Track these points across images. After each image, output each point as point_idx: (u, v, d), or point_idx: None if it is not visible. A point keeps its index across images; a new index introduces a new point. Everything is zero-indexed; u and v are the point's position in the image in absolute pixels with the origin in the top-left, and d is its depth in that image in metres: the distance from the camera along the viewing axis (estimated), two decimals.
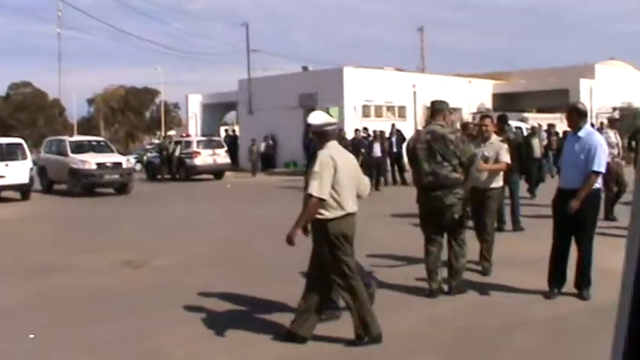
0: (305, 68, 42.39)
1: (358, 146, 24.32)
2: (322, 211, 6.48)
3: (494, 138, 10.31)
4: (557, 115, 36.91)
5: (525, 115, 37.06)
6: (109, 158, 27.07)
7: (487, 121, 10.45)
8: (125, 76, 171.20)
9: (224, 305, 8.46)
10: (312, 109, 32.77)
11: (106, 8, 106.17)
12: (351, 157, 7.03)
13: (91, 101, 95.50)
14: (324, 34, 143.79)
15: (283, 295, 8.48)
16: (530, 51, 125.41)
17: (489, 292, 8.79)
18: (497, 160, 9.91)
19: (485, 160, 9.84)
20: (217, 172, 34.97)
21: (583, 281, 8.19)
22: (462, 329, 7.32)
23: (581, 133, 8.07)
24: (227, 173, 35.52)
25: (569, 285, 8.32)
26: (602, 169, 8.07)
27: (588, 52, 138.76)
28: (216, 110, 52.24)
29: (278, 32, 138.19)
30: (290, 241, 6.55)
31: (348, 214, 6.56)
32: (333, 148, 6.62)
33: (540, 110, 41.34)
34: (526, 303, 8.22)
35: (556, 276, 8.28)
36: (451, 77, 45.36)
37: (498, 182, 10.06)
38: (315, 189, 6.38)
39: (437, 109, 8.91)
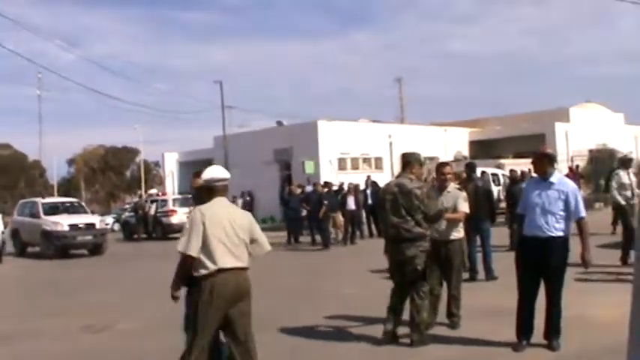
0: (280, 123, 42.44)
1: (316, 199, 24.94)
2: (197, 267, 6.25)
3: (452, 187, 10.12)
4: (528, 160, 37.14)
5: (502, 161, 37.12)
6: (81, 219, 26.94)
7: (447, 169, 10.11)
8: (104, 135, 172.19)
9: None
10: (288, 164, 33.30)
11: (84, 69, 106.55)
12: (239, 213, 6.77)
13: (71, 162, 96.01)
14: (301, 88, 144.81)
15: None
16: (506, 97, 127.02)
17: (454, 346, 8.57)
18: (455, 210, 9.67)
19: (445, 210, 9.50)
20: None
21: (552, 331, 8.02)
22: None
23: (553, 179, 7.99)
24: None
25: (539, 336, 8.13)
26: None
27: (564, 95, 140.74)
28: (192, 167, 51.66)
29: (255, 88, 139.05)
30: (173, 298, 6.41)
31: (221, 270, 6.26)
32: (216, 204, 6.43)
33: (517, 156, 41.44)
34: (492, 356, 8.02)
35: (524, 327, 8.11)
36: (427, 127, 45.61)
37: (459, 233, 9.72)
38: (180, 245, 6.21)
39: (406, 162, 8.92)
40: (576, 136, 42.02)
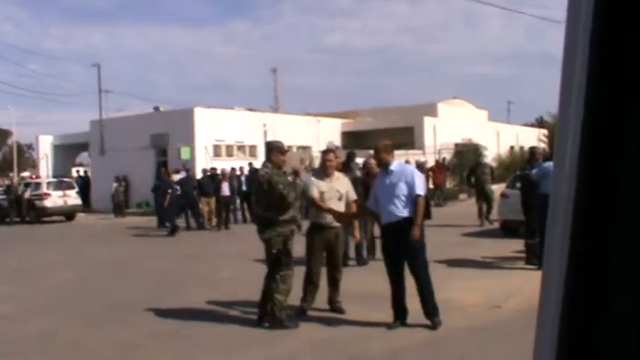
0: (157, 109, 42.50)
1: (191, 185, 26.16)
2: None
3: (338, 173, 10.44)
4: (403, 151, 38.65)
5: (372, 152, 38.42)
6: None
7: (331, 155, 10.24)
8: None
9: (60, 351, 8.69)
10: (164, 150, 33.35)
11: None
12: None
13: None
14: (180, 76, 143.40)
15: (118, 337, 8.92)
16: (377, 91, 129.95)
17: (330, 327, 9.01)
18: (347, 196, 10.07)
19: (340, 196, 9.93)
20: (68, 213, 34.77)
21: (429, 309, 8.52)
22: None
23: (392, 167, 8.69)
24: (80, 214, 35.37)
25: (418, 316, 8.63)
26: (423, 192, 8.71)
27: (433, 91, 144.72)
28: (68, 151, 51.34)
29: (133, 73, 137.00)
30: None
31: None
32: None
33: None
34: (366, 336, 8.47)
35: (399, 309, 8.68)
36: (301, 117, 46.44)
37: None
38: None
39: (267, 150, 9.53)
40: (443, 130, 43.76)
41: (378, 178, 9.20)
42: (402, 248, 8.53)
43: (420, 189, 8.64)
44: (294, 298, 9.69)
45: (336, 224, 9.96)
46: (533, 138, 48.91)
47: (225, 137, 38.81)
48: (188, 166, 32.11)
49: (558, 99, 1.18)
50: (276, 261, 9.08)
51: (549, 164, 12.77)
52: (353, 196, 10.34)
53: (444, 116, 46.62)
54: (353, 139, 46.46)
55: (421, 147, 42.77)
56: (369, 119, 48.65)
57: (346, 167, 15.37)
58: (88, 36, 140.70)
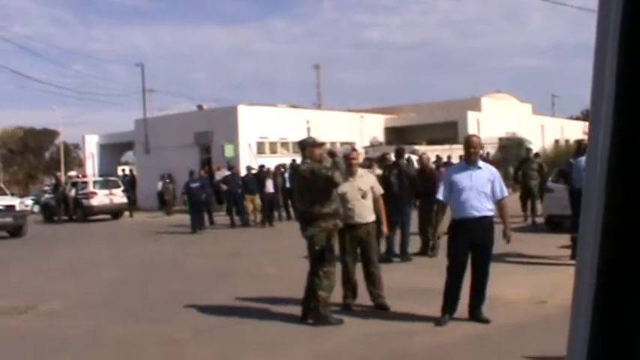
0: (200, 107, 42.79)
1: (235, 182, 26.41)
2: None
3: (362, 171, 10.68)
4: (447, 146, 38.43)
5: (416, 147, 38.27)
6: (1, 201, 26.82)
7: (354, 154, 10.48)
8: (23, 117, 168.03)
9: (106, 347, 8.75)
10: (208, 147, 33.58)
11: (3, 50, 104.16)
12: None
13: None
14: (222, 74, 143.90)
15: (164, 333, 8.99)
16: (419, 86, 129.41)
17: (374, 324, 8.98)
18: (373, 193, 10.20)
19: (364, 194, 10.05)
20: (114, 211, 35.15)
21: (480, 304, 8.64)
22: None
23: (480, 164, 8.72)
24: (126, 213, 35.77)
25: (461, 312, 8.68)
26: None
27: (476, 86, 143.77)
28: (113, 150, 52.10)
29: (176, 72, 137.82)
30: None
31: None
32: None
33: (430, 142, 42.59)
34: (410, 333, 8.42)
35: (454, 304, 8.65)
36: (344, 113, 46.44)
37: (373, 215, 10.22)
38: None
39: (301, 148, 9.45)
40: (487, 125, 43.42)
41: (455, 171, 9.00)
42: (480, 243, 8.53)
43: (506, 191, 8.78)
44: (338, 294, 9.72)
45: (367, 221, 10.06)
46: (578, 131, 48.27)
47: (268, 134, 38.95)
48: (232, 164, 32.23)
49: (590, 95, 1.18)
50: (320, 257, 9.07)
51: (580, 159, 12.71)
52: (379, 191, 10.46)
53: (488, 110, 46.26)
54: (396, 135, 46.38)
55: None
56: (412, 114, 48.49)
57: (395, 163, 15.34)
58: (131, 36, 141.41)
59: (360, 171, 10.52)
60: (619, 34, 1.11)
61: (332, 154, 9.60)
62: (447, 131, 43.32)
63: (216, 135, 37.91)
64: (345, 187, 9.87)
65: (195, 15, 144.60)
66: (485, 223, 8.52)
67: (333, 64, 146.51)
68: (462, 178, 8.58)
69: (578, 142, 14.41)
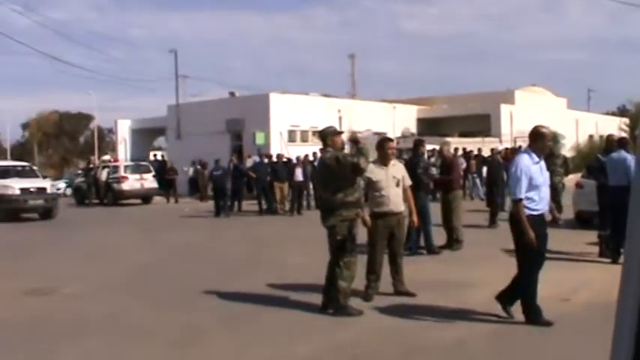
0: (232, 94, 42.79)
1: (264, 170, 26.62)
2: None
3: (395, 160, 10.56)
4: (479, 139, 38.15)
5: (447, 139, 37.99)
6: (33, 183, 26.99)
7: (392, 144, 10.46)
8: (60, 101, 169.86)
9: (126, 332, 8.69)
10: (239, 135, 33.64)
11: (40, 35, 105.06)
12: None
13: (25, 126, 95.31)
14: (257, 61, 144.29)
15: (184, 320, 9.00)
16: (455, 78, 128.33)
17: (394, 316, 8.94)
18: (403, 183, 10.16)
19: (398, 182, 10.01)
20: (145, 196, 35.42)
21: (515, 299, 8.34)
22: (359, 356, 7.45)
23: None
24: (157, 197, 35.98)
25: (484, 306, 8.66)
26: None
27: (512, 78, 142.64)
28: (145, 135, 52.38)
29: (210, 58, 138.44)
30: None
31: None
32: None
33: (463, 134, 42.39)
34: (431, 327, 8.34)
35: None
36: (376, 103, 46.26)
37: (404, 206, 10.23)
38: None
39: (322, 138, 9.30)
40: (520, 118, 43.03)
41: (527, 164, 8.17)
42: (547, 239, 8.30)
43: None
44: (359, 284, 9.67)
45: (400, 210, 10.07)
46: (614, 127, 47.76)
47: (300, 123, 38.97)
48: (263, 151, 32.25)
49: None
50: (341, 247, 9.00)
51: (620, 154, 12.46)
52: (408, 181, 10.42)
53: (521, 104, 45.89)
54: (428, 126, 46.21)
55: (497, 135, 42.17)
56: (445, 106, 48.22)
57: (414, 154, 15.14)
58: (168, 22, 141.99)
59: (393, 160, 10.45)
60: None
61: (355, 140, 9.47)
62: (479, 124, 43.11)
63: (248, 122, 37.99)
64: (379, 175, 9.95)
65: (232, 2, 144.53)
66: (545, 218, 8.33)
67: (369, 54, 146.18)
68: (537, 173, 8.12)
69: (608, 138, 14.07)
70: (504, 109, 43.90)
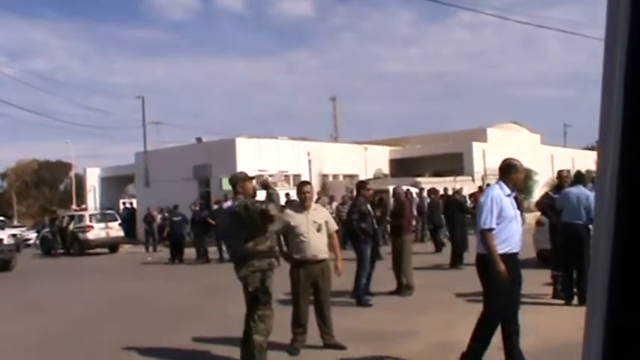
0: (199, 140, 42.30)
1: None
2: None
3: (316, 204, 10.35)
4: (451, 178, 37.87)
5: (418, 179, 37.65)
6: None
7: (308, 187, 9.97)
8: (40, 150, 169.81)
9: None
10: (207, 180, 33.05)
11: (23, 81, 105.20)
12: None
13: (3, 175, 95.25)
14: (241, 106, 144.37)
15: None
16: (436, 117, 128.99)
17: None
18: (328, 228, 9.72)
19: (319, 227, 9.57)
20: (111, 245, 34.88)
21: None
22: None
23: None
24: (126, 246, 35.46)
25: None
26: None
27: (490, 116, 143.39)
28: (115, 183, 51.98)
29: (194, 105, 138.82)
30: None
31: None
32: None
33: (436, 174, 42.15)
34: None
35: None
36: (348, 145, 46.02)
37: (328, 251, 9.77)
38: None
39: (232, 184, 8.89)
40: (493, 155, 42.79)
41: (498, 193, 7.66)
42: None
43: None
44: (285, 336, 9.31)
45: (322, 257, 9.59)
46: (590, 161, 47.58)
47: (268, 167, 38.46)
48: (219, 198, 31.71)
49: (599, 121, 1.25)
50: (254, 300, 8.54)
51: (581, 190, 11.92)
52: (333, 227, 10.01)
53: (494, 141, 45.68)
54: (401, 167, 45.89)
55: (470, 173, 41.91)
56: (418, 146, 48.01)
57: (355, 198, 14.83)
58: (150, 69, 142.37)
59: (314, 204, 10.14)
60: (625, 61, 1.18)
61: (265, 185, 9.15)
62: (452, 163, 42.84)
63: (215, 168, 37.51)
64: (298, 220, 9.56)
65: (215, 47, 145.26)
66: None
67: (352, 96, 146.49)
68: (507, 205, 7.66)
69: (559, 174, 13.53)
70: (476, 147, 43.65)
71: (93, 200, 49.96)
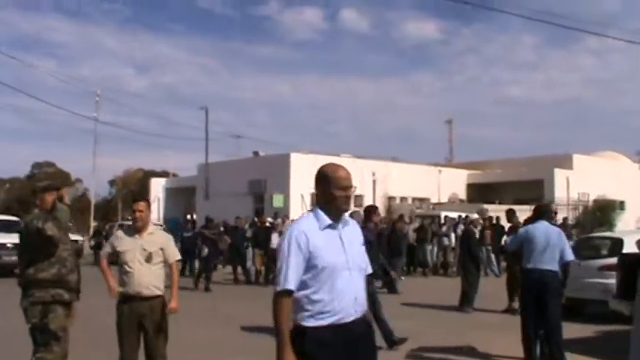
0: (256, 153, 40.82)
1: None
2: None
3: (153, 227, 7.89)
4: (527, 206, 34.89)
5: (484, 206, 34.86)
6: (10, 239, 25.63)
7: (140, 205, 7.63)
8: (146, 159, 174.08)
9: None
10: (261, 196, 31.31)
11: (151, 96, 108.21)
12: None
13: (112, 182, 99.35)
14: (362, 126, 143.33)
15: None
16: (559, 143, 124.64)
17: None
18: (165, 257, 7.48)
19: (148, 256, 7.35)
20: None
21: None
22: None
23: None
24: None
25: None
26: None
27: (602, 143, 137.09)
28: (178, 194, 51.29)
29: (317, 123, 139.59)
30: None
31: None
32: None
33: (518, 202, 39.23)
34: None
35: None
36: (420, 166, 43.58)
37: (162, 286, 7.52)
38: None
39: (32, 195, 7.41)
40: (577, 183, 39.76)
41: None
42: None
43: None
44: None
45: (150, 293, 7.30)
46: None
47: None
48: (280, 215, 29.91)
49: None
50: (34, 338, 6.82)
51: (546, 226, 9.20)
52: (174, 256, 7.62)
53: (580, 168, 42.32)
54: (479, 192, 43.12)
55: (551, 201, 38.85)
56: (498, 170, 45.13)
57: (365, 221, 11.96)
58: (274, 85, 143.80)
59: (151, 228, 7.72)
60: None
61: (59, 197, 7.13)
62: (533, 190, 39.89)
63: (270, 184, 36.02)
64: (126, 244, 7.34)
65: (339, 67, 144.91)
66: None
67: (472, 120, 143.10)
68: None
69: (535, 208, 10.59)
70: (559, 173, 40.51)
71: (157, 211, 49.19)
